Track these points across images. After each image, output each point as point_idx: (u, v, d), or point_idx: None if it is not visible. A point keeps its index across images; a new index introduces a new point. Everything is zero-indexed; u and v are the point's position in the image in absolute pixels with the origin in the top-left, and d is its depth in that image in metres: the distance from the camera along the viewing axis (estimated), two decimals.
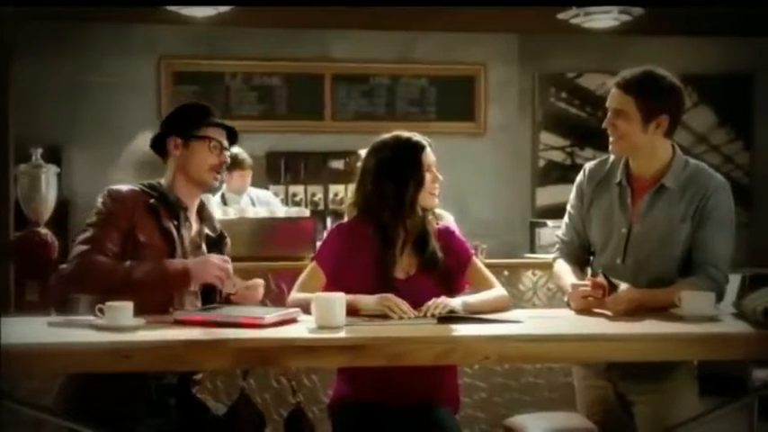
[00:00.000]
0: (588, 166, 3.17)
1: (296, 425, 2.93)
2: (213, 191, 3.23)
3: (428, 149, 3.04)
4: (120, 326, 2.42)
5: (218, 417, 2.85)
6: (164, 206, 2.91)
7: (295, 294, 2.95)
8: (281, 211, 4.92)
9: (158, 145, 3.05)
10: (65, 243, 5.04)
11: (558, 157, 7.89)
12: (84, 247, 2.78)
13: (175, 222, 2.91)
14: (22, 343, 2.29)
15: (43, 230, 4.60)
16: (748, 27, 7.34)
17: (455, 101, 7.70)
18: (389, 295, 2.79)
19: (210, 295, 2.93)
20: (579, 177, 3.17)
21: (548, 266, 4.92)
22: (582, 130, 7.89)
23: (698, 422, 2.83)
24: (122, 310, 2.46)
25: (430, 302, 2.77)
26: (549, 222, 6.61)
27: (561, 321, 2.76)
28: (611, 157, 3.12)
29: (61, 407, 2.67)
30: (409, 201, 2.97)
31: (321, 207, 7.27)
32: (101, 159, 7.21)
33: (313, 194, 7.32)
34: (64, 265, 2.81)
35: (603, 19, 5.26)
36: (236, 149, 5.75)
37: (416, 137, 3.07)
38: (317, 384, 4.38)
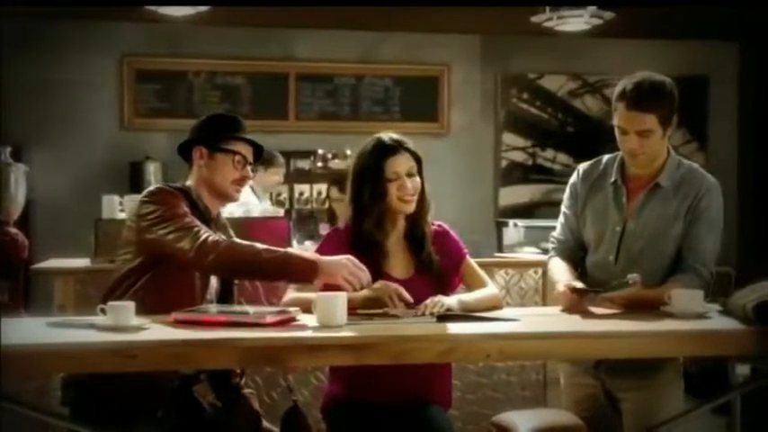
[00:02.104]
0: (582, 166, 3.22)
1: (292, 423, 2.93)
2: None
3: (397, 157, 2.99)
4: (123, 326, 2.40)
5: (214, 415, 2.83)
6: (197, 213, 2.90)
7: (291, 294, 2.95)
8: (257, 210, 4.91)
9: (184, 151, 3.03)
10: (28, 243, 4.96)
11: (519, 157, 7.98)
12: (196, 227, 2.76)
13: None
14: (28, 344, 2.26)
15: (13, 230, 4.55)
16: (705, 31, 7.51)
17: (419, 101, 7.75)
18: (386, 282, 2.81)
19: (227, 299, 2.92)
20: (573, 178, 3.21)
21: (519, 265, 5.03)
22: (543, 130, 7.99)
23: (683, 419, 2.90)
24: (125, 309, 2.44)
25: (427, 301, 2.79)
26: (511, 222, 6.71)
27: (557, 319, 2.80)
28: (605, 158, 3.17)
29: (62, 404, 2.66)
30: (377, 207, 2.96)
31: (287, 206, 7.25)
32: (62, 158, 7.12)
33: (278, 194, 7.30)
34: (185, 246, 2.73)
35: (576, 22, 5.33)
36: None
37: (388, 141, 3.00)
38: (292, 385, 4.38)
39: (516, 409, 4.09)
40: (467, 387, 4.73)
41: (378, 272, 2.92)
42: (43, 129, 7.14)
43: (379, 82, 7.72)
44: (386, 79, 7.73)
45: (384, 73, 7.72)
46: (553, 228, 3.29)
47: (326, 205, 6.20)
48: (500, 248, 6.12)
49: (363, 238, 2.97)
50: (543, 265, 4.91)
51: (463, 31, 7.64)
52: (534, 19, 5.33)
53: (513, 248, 5.96)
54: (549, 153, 7.98)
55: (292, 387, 3.09)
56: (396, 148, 3.00)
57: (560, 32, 5.68)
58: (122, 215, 4.76)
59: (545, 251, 5.61)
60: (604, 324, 2.69)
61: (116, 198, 4.84)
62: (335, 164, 7.36)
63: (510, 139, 7.95)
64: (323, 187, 7.29)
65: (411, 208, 3.02)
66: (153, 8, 5.35)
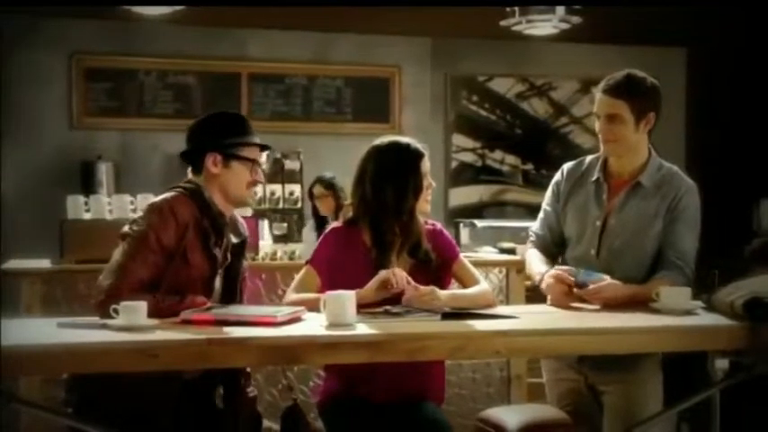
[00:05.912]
0: (566, 166, 3.33)
1: (292, 421, 2.95)
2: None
3: (426, 157, 3.09)
4: (138, 326, 2.40)
5: (215, 415, 2.84)
6: (209, 221, 2.84)
7: (291, 295, 2.97)
8: None
9: (192, 157, 2.94)
10: None
11: (469, 158, 8.08)
12: (124, 276, 2.70)
13: (217, 240, 2.85)
14: (48, 344, 2.25)
15: None
16: (653, 36, 7.69)
17: (370, 102, 7.79)
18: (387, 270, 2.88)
19: (233, 299, 2.91)
20: (557, 176, 3.32)
21: (483, 265, 5.11)
22: (492, 132, 8.10)
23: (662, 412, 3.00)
24: (138, 309, 2.44)
25: (426, 289, 2.85)
26: (467, 222, 6.81)
27: (552, 316, 2.88)
28: (588, 158, 3.30)
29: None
30: (408, 207, 3.02)
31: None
32: (10, 158, 6.93)
33: None
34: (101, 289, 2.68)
35: (544, 26, 5.44)
36: None
37: (415, 144, 3.11)
38: (261, 384, 4.39)
39: (483, 405, 4.17)
40: None
41: (378, 269, 2.95)
42: None
43: (331, 82, 7.74)
44: (338, 80, 7.75)
45: (336, 74, 7.74)
46: (509, 228, 3.39)
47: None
48: None
49: (377, 238, 3.01)
50: (507, 264, 5.03)
51: (414, 33, 7.70)
52: (503, 23, 5.42)
53: (469, 248, 6.05)
54: (498, 154, 8.10)
55: (293, 386, 3.10)
56: (423, 151, 3.12)
57: (518, 36, 5.78)
58: (88, 215, 4.70)
59: (502, 251, 5.73)
60: (604, 320, 2.78)
61: (81, 198, 4.77)
62: (288, 164, 7.36)
63: (459, 140, 8.04)
64: (276, 187, 7.28)
65: (428, 209, 3.09)
66: (126, 6, 5.27)
